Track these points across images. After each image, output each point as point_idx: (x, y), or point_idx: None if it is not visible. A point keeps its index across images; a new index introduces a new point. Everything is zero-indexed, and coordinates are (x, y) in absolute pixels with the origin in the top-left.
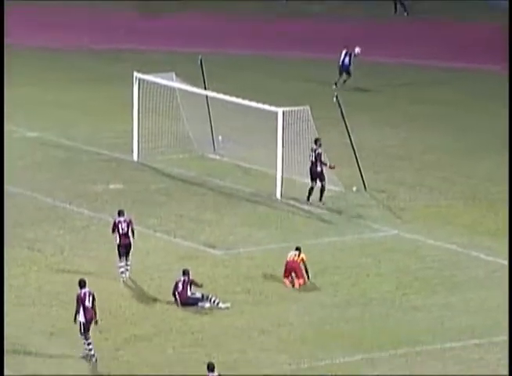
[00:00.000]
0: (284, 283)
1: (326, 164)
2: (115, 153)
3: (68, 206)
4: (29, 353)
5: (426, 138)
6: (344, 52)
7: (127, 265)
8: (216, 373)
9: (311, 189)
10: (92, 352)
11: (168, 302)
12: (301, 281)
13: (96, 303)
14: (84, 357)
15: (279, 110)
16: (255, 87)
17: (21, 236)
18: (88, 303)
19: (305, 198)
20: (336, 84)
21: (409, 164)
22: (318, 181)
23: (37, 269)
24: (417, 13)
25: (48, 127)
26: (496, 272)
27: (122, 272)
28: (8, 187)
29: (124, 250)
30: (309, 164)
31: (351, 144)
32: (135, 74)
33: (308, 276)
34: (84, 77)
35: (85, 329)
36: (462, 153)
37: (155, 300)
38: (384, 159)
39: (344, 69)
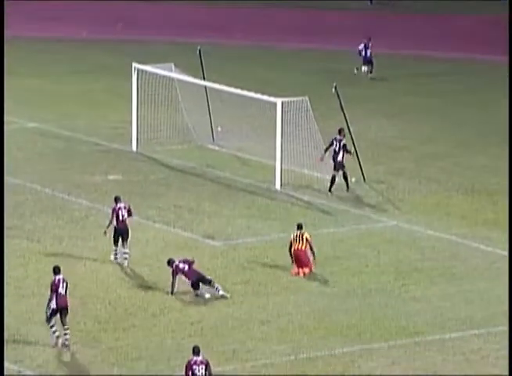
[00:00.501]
0: (292, 269)
1: (350, 153)
2: (114, 144)
3: (67, 196)
4: (29, 343)
5: (423, 129)
6: (363, 44)
7: (125, 253)
8: (201, 356)
9: (334, 178)
10: (57, 334)
11: (167, 292)
12: (306, 270)
13: (69, 291)
14: (65, 345)
15: (278, 101)
16: (254, 78)
17: (20, 227)
18: (61, 290)
19: (327, 189)
20: (370, 72)
21: (407, 155)
22: (340, 170)
23: (37, 260)
24: (414, 4)
25: (47, 118)
26: (496, 262)
27: (116, 254)
28: (7, 178)
29: (122, 236)
30: (332, 153)
31: (351, 135)
32: (134, 64)
33: (314, 256)
34: (84, 68)
35: (52, 314)
36: (459, 144)
37: (154, 290)
38: (382, 150)
39: (367, 60)
